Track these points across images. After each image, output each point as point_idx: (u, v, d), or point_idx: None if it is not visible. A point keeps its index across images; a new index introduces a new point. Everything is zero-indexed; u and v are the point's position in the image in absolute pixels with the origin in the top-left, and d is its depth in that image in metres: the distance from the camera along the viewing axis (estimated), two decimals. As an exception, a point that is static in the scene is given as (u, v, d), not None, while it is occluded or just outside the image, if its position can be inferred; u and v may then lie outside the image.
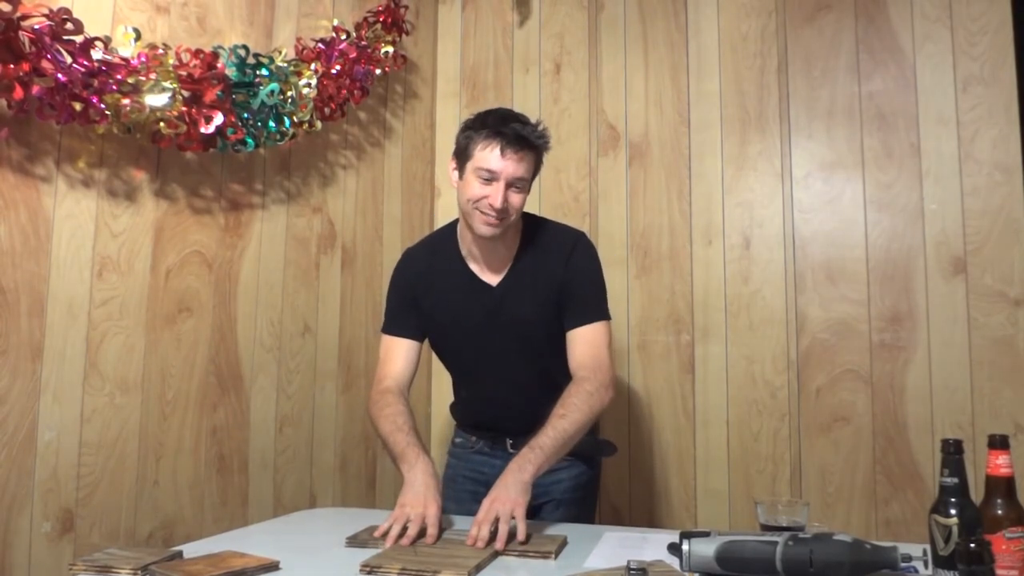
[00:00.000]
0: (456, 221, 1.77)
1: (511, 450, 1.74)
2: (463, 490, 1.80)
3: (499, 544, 1.36)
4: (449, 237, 1.77)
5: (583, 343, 1.66)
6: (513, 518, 1.40)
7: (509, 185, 1.59)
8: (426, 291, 1.75)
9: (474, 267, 1.73)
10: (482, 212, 1.60)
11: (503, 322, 1.70)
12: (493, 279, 1.72)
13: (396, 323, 1.77)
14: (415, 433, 1.59)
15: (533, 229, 1.75)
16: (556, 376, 1.67)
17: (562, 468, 1.70)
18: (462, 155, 1.65)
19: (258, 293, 2.03)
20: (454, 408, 1.91)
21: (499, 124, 1.60)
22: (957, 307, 2.16)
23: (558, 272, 1.70)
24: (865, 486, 2.21)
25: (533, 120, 1.66)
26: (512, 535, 1.39)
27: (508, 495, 1.43)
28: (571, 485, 1.75)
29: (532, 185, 1.68)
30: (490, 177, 1.59)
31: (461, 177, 1.65)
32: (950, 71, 2.22)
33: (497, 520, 1.40)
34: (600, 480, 1.86)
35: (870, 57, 2.31)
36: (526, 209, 1.71)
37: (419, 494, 1.46)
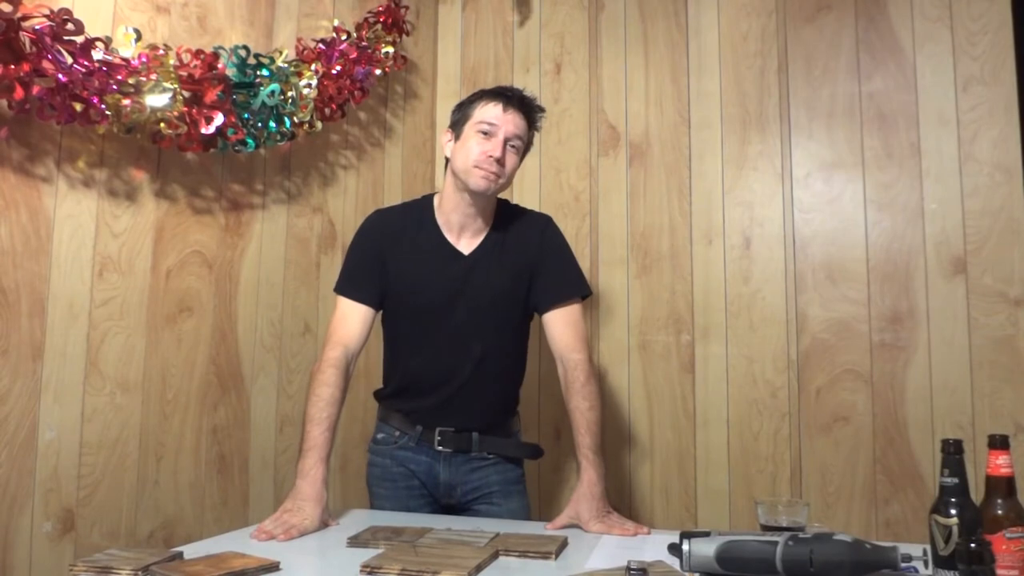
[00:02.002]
0: (431, 195, 1.84)
1: (438, 447, 1.77)
2: (402, 488, 1.80)
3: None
4: (425, 206, 1.82)
5: (569, 323, 1.76)
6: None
7: (506, 141, 1.68)
8: (396, 250, 1.76)
9: (449, 235, 1.78)
10: (479, 167, 1.67)
11: (471, 289, 1.75)
12: (466, 248, 1.77)
13: (357, 286, 1.77)
14: (331, 431, 1.65)
15: (506, 209, 1.85)
16: (505, 354, 1.80)
17: (489, 465, 1.80)
18: (460, 120, 1.74)
19: (259, 293, 2.03)
20: (383, 393, 1.88)
21: (504, 90, 1.73)
22: (957, 307, 2.16)
23: (532, 247, 1.79)
24: (865, 486, 2.21)
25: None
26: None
27: (598, 516, 1.57)
28: (500, 479, 1.80)
29: (522, 165, 1.77)
30: (490, 130, 1.68)
31: (457, 140, 1.73)
32: (950, 71, 2.22)
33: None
34: (525, 477, 1.89)
35: (870, 57, 2.31)
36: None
37: (300, 509, 1.54)
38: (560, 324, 1.75)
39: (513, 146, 1.70)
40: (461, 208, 1.75)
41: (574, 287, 1.79)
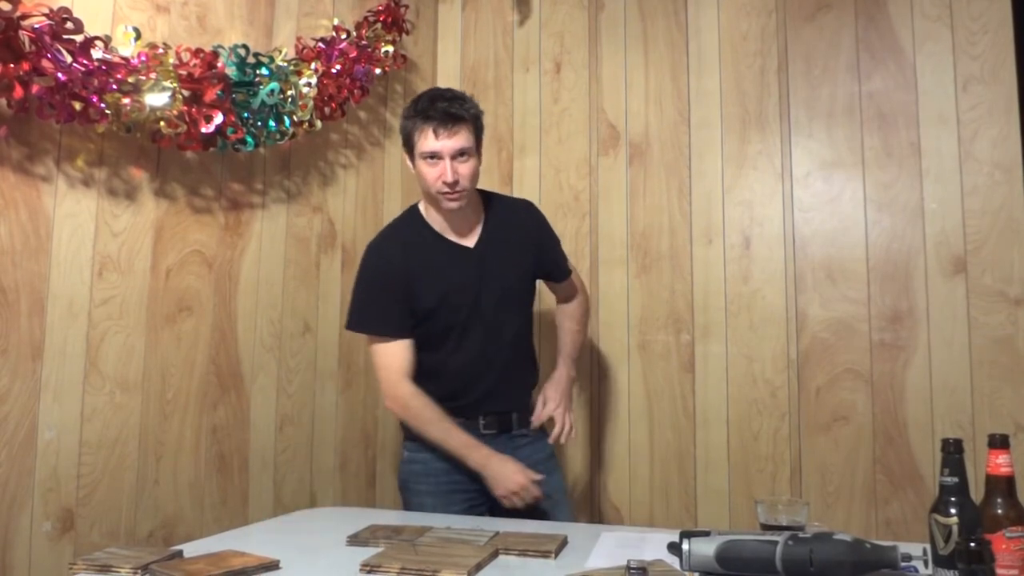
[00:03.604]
0: (414, 206, 1.91)
1: (483, 431, 1.83)
2: (444, 482, 1.81)
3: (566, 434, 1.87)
4: (413, 219, 1.89)
5: (568, 283, 2.03)
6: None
7: (453, 158, 1.73)
8: (413, 270, 1.81)
9: (449, 236, 1.85)
10: (440, 192, 1.75)
11: (489, 277, 1.84)
12: (469, 242, 1.86)
13: (390, 325, 1.81)
14: (464, 431, 1.77)
15: (489, 197, 1.94)
16: (528, 329, 1.97)
17: (528, 444, 1.89)
18: (407, 145, 1.80)
19: (258, 292, 2.03)
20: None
21: (427, 108, 1.74)
22: (957, 306, 2.16)
23: (531, 229, 1.94)
24: (865, 486, 2.21)
25: (461, 94, 1.81)
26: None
27: (556, 400, 1.88)
28: (541, 457, 1.90)
29: (481, 154, 1.83)
30: (434, 158, 1.73)
31: (414, 165, 1.80)
32: (950, 70, 2.22)
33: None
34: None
35: (870, 56, 2.31)
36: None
37: (510, 476, 1.70)
38: (565, 284, 2.02)
39: (461, 158, 1.74)
40: (447, 213, 1.82)
41: (567, 265, 2.02)
